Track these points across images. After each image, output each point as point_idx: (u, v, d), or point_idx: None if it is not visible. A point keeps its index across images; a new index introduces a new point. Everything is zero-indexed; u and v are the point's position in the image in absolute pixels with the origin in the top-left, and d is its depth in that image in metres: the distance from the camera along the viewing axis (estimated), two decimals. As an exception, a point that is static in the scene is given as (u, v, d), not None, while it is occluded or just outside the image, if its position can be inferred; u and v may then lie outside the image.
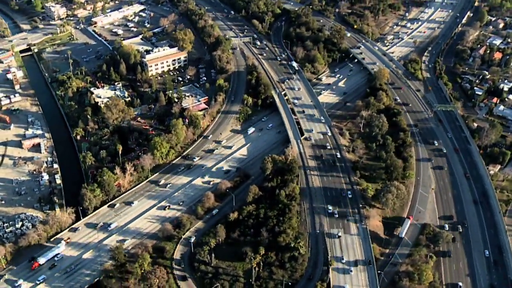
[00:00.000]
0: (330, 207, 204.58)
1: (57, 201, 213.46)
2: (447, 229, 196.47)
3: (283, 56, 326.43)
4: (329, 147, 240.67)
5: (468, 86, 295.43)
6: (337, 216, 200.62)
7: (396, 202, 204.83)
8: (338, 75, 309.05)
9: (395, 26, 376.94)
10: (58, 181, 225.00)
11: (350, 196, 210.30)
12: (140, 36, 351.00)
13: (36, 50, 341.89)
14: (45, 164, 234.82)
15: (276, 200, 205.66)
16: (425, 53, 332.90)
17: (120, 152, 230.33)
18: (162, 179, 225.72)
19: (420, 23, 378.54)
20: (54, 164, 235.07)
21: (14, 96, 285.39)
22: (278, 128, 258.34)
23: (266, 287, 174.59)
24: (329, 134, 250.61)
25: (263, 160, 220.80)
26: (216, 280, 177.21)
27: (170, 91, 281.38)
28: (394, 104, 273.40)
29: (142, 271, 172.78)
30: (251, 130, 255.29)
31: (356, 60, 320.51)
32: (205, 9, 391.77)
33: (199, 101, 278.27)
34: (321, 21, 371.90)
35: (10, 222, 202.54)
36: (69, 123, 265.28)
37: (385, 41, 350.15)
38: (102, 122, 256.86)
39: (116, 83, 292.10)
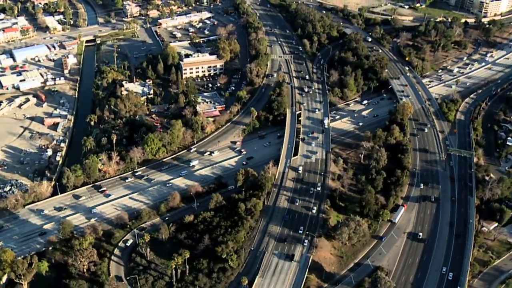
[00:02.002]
0: (285, 230, 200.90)
1: (48, 175, 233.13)
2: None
3: (315, 78, 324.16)
4: (314, 172, 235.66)
5: (504, 136, 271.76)
6: (286, 239, 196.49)
7: (353, 238, 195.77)
8: (366, 103, 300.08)
9: (453, 64, 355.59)
10: (58, 158, 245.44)
11: (309, 222, 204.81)
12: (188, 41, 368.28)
13: (98, 42, 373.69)
14: (54, 142, 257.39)
15: (235, 212, 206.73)
16: (472, 95, 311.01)
17: (114, 142, 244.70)
18: (146, 173, 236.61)
19: (483, 64, 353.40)
20: (62, 143, 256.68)
21: (59, 78, 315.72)
22: (277, 146, 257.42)
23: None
24: (323, 159, 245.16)
25: (236, 172, 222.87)
26: (143, 273, 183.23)
27: (193, 95, 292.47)
28: (407, 141, 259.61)
29: (79, 248, 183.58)
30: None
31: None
32: (263, 23, 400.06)
33: (215, 108, 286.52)
34: (374, 48, 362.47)
35: (1, 185, 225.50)
36: (93, 110, 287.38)
37: (433, 77, 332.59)
38: (118, 113, 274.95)
39: (147, 80, 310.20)
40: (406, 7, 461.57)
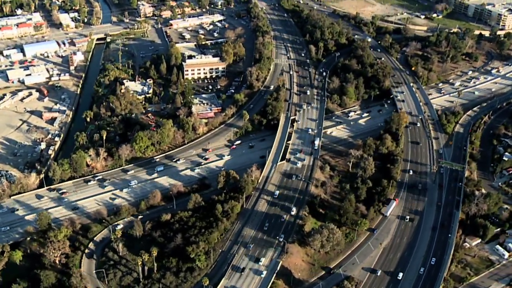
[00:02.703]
0: (259, 233, 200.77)
1: (38, 168, 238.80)
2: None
3: (316, 83, 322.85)
4: (299, 178, 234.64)
5: (501, 151, 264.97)
6: (258, 243, 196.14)
7: (326, 246, 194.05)
8: (365, 112, 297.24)
9: (461, 76, 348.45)
10: (50, 151, 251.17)
11: (285, 227, 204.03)
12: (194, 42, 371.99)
13: (108, 40, 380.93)
14: (49, 136, 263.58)
15: (212, 213, 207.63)
16: (475, 108, 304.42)
17: (104, 138, 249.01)
18: (133, 170, 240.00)
19: (492, 77, 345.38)
20: (56, 138, 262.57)
21: (64, 74, 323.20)
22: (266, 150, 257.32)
23: (150, 287, 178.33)
24: (309, 165, 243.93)
25: (218, 174, 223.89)
26: (113, 268, 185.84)
27: (191, 96, 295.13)
28: (400, 151, 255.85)
29: (53, 241, 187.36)
30: (235, 144, 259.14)
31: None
32: (273, 28, 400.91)
33: (211, 109, 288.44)
34: (383, 58, 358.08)
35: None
36: (91, 106, 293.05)
37: (438, 88, 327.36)
38: (114, 110, 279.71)
39: (148, 80, 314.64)
40: (422, 17, 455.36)
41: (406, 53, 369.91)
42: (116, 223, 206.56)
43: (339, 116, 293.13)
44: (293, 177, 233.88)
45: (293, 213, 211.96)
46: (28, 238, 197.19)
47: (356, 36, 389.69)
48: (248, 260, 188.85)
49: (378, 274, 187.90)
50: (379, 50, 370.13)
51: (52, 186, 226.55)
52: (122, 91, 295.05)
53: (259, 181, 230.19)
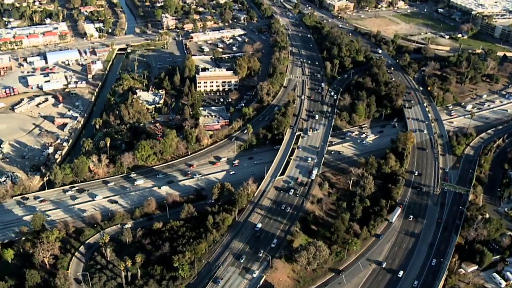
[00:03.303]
0: (247, 247, 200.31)
1: (43, 171, 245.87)
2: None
3: (327, 100, 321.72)
4: (296, 193, 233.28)
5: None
6: (244, 257, 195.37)
7: (313, 263, 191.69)
8: (374, 131, 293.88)
9: (479, 97, 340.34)
10: (57, 156, 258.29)
11: (274, 243, 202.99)
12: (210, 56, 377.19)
13: (129, 50, 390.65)
14: (58, 140, 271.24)
15: (203, 224, 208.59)
16: (489, 130, 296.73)
17: (108, 145, 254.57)
18: (133, 178, 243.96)
19: (509, 100, 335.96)
20: (65, 143, 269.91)
21: (81, 82, 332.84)
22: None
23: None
24: (308, 181, 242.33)
25: (213, 186, 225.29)
26: (99, 272, 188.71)
27: (199, 108, 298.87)
28: (404, 171, 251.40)
29: (43, 241, 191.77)
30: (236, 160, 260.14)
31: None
32: (292, 44, 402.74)
33: (218, 122, 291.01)
34: (400, 78, 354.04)
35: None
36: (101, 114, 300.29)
37: (450, 109, 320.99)
38: (123, 118, 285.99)
39: (160, 90, 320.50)
40: (447, 37, 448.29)
41: (424, 72, 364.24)
42: (108, 228, 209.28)
43: (347, 133, 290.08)
44: (290, 192, 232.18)
45: (285, 228, 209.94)
46: (23, 238, 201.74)
47: (373, 54, 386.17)
48: (232, 273, 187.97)
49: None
50: (392, 69, 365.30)
51: (54, 189, 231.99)
52: (133, 100, 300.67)
53: (255, 194, 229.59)
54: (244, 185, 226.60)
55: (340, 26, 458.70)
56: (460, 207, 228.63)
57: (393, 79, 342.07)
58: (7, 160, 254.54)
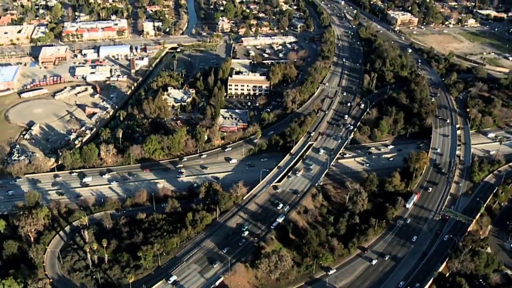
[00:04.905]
0: (217, 247, 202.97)
1: (59, 154, 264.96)
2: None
3: (353, 112, 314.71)
4: (284, 202, 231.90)
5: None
6: (211, 256, 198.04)
7: (275, 272, 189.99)
8: (394, 148, 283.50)
9: (496, 130, 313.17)
10: (77, 142, 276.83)
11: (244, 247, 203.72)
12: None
13: (178, 50, 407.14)
14: (83, 128, 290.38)
15: (182, 220, 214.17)
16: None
17: (120, 136, 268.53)
18: (138, 168, 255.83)
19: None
20: (88, 131, 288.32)
21: (123, 76, 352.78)
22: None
23: (97, 277, 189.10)
24: (304, 191, 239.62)
25: (202, 184, 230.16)
26: (75, 252, 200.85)
27: (219, 108, 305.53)
28: (408, 191, 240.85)
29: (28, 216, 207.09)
30: (234, 161, 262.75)
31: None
32: (339, 54, 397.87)
33: (236, 124, 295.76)
34: (438, 95, 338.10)
35: (20, 154, 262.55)
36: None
37: (488, 134, 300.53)
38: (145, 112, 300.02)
39: (190, 90, 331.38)
40: (511, 58, 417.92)
41: (469, 93, 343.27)
42: (97, 213, 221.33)
43: (361, 147, 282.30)
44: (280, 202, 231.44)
45: (261, 235, 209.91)
46: (18, 212, 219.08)
47: (419, 70, 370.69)
48: (192, 270, 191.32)
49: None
50: (432, 86, 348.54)
51: (64, 171, 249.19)
52: (163, 97, 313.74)
53: (244, 198, 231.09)
54: (233, 187, 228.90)
55: (396, 40, 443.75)
56: (453, 236, 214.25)
57: (432, 98, 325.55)
58: (33, 141, 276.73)
